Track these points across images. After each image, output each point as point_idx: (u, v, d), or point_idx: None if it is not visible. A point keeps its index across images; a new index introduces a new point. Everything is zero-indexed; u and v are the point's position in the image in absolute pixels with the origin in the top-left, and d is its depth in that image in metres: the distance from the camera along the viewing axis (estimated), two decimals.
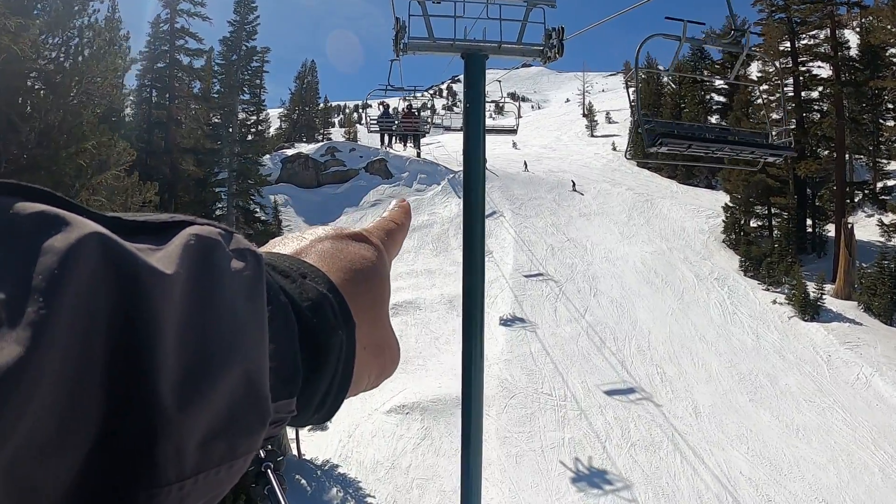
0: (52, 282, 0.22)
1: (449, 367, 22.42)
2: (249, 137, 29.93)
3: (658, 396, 20.90)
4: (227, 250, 0.30)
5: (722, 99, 50.98)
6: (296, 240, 0.44)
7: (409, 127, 19.71)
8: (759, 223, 35.06)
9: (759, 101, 35.80)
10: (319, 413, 0.38)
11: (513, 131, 22.60)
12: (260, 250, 0.36)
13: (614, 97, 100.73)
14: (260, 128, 31.86)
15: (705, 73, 50.79)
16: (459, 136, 39.48)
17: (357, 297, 0.41)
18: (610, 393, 20.83)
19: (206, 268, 0.28)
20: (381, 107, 20.42)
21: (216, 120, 26.85)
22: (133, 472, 0.24)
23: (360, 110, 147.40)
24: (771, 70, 35.28)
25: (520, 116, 23.15)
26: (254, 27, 29.25)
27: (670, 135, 7.35)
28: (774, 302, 27.94)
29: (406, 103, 22.03)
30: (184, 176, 22.42)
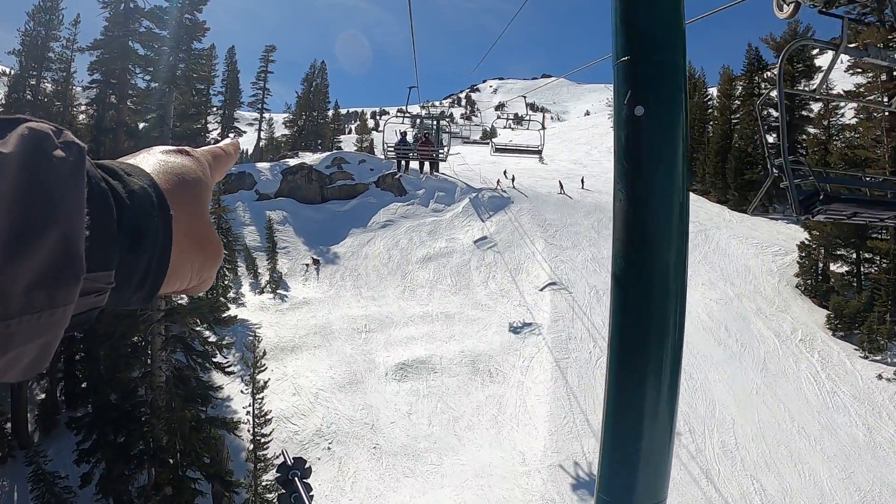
0: None
1: (473, 471, 16.76)
2: None
3: None
4: (56, 141, 0.37)
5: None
6: (133, 156, 0.52)
7: (426, 154, 17.46)
8: (846, 268, 28.98)
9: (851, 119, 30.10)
10: (140, 291, 0.44)
11: (539, 152, 18.82)
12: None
13: None
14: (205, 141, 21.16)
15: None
16: (480, 148, 34.09)
17: (176, 195, 0.48)
18: None
19: (36, 152, 0.35)
20: (398, 133, 18.15)
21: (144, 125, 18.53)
22: None
23: (378, 117, 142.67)
24: (865, 82, 29.44)
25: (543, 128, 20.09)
26: None
27: (838, 199, 4.93)
28: (880, 377, 22.08)
29: (424, 117, 19.99)
30: None
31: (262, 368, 16.39)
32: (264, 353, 16.96)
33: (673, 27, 2.46)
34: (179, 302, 14.63)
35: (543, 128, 19.94)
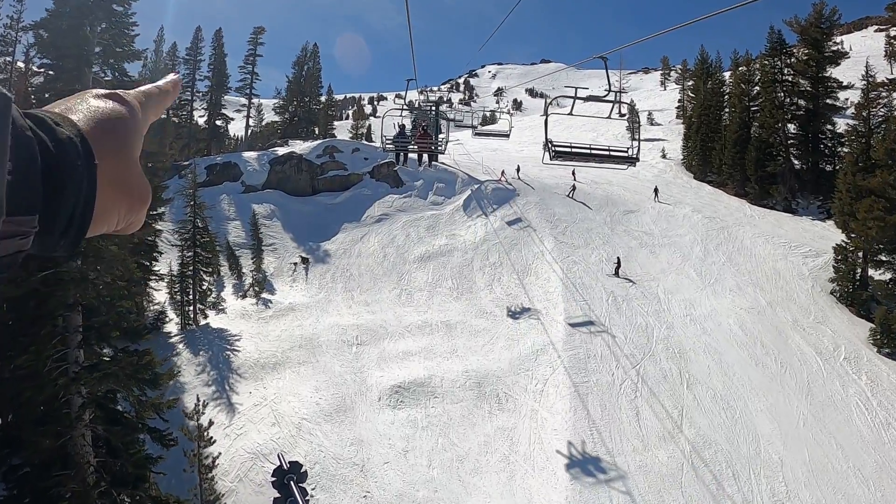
0: None
1: None
2: None
3: None
4: None
5: (803, 102, 42.07)
6: (65, 101, 0.53)
7: (425, 147, 15.59)
8: (890, 275, 26.24)
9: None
10: (66, 237, 0.46)
11: (632, 160, 12.26)
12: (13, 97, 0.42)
13: (651, 96, 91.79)
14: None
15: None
16: (496, 143, 30.77)
17: (103, 143, 0.50)
18: None
19: None
20: (396, 126, 16.21)
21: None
22: None
23: (376, 102, 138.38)
24: None
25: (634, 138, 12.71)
26: None
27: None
28: None
29: (420, 108, 19.88)
30: None
31: (211, 441, 13.64)
32: (210, 424, 14.09)
33: None
34: (85, 365, 11.31)
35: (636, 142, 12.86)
